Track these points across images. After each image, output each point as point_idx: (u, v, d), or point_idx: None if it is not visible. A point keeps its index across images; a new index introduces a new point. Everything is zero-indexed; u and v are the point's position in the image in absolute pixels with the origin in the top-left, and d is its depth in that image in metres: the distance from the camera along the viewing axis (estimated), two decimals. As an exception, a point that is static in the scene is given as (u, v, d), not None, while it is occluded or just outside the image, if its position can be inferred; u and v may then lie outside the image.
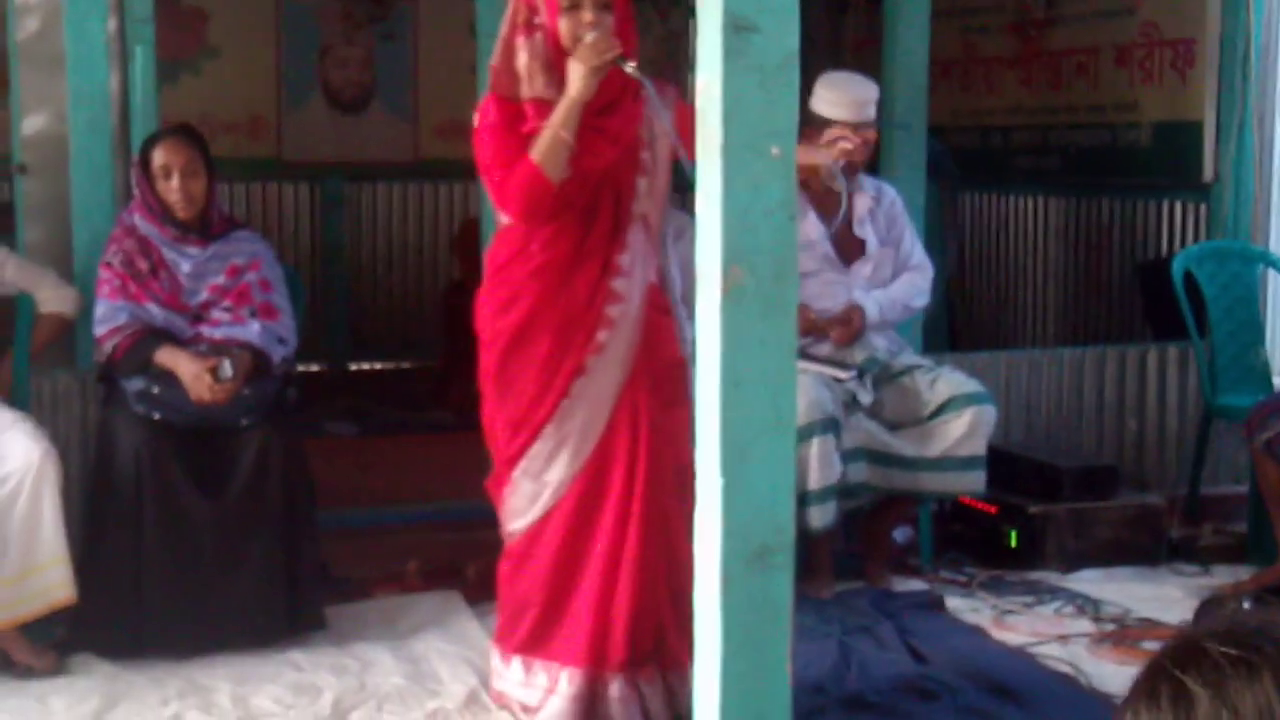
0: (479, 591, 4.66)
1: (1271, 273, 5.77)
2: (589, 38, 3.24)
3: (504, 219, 3.50)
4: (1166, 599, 4.61)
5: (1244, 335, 5.53)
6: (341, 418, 7.23)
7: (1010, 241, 7.45)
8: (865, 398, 4.65)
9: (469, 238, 6.40)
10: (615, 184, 3.42)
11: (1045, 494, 5.01)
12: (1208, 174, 5.88)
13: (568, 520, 3.50)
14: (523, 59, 3.36)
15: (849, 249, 4.75)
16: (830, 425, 4.43)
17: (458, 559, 4.87)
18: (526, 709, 3.58)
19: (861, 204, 4.75)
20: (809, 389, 4.43)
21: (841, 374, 4.58)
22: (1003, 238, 7.49)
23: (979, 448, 4.60)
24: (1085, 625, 4.40)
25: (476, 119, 3.47)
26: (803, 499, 4.48)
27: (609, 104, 3.35)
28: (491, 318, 3.52)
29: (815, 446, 4.41)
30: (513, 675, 3.61)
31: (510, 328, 3.46)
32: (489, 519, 5.27)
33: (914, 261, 4.82)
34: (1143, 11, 6.15)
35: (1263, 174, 5.92)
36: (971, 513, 5.06)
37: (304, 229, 8.56)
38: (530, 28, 3.35)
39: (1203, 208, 6.02)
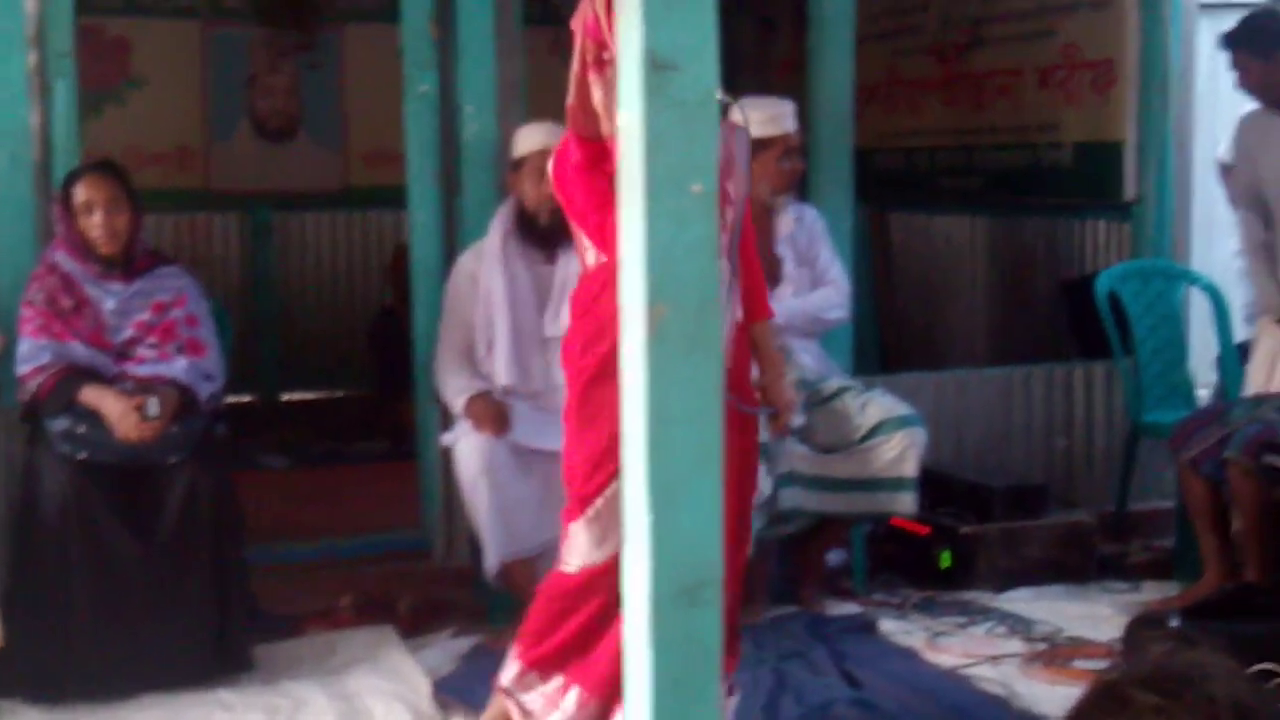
0: (413, 625, 4.64)
1: (1194, 290, 5.85)
2: None
3: (590, 259, 3.43)
4: (1096, 617, 4.66)
5: (1168, 353, 5.61)
6: (273, 450, 7.18)
7: (938, 262, 7.51)
8: (795, 421, 4.67)
9: (401, 264, 6.38)
10: None
11: (976, 514, 5.05)
12: (1129, 193, 5.96)
13: None
14: (598, 96, 3.22)
15: (772, 269, 4.81)
16: (759, 452, 4.44)
17: (391, 592, 4.84)
18: (526, 713, 3.54)
19: (784, 225, 4.82)
20: (736, 416, 4.45)
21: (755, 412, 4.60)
22: (930, 258, 7.55)
23: (910, 470, 4.64)
24: (1017, 645, 4.43)
25: (553, 161, 3.43)
26: (733, 526, 4.49)
27: None
28: (577, 354, 3.45)
29: (745, 473, 4.41)
30: (523, 678, 3.54)
31: (593, 363, 3.38)
32: (423, 550, 5.28)
33: (830, 276, 4.88)
34: (1063, 33, 6.22)
35: (1183, 193, 6.01)
36: (904, 534, 5.09)
37: (233, 259, 8.49)
38: (601, 64, 3.20)
39: (1125, 227, 6.09)
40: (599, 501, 3.38)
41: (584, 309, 3.44)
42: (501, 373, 4.56)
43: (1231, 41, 5.00)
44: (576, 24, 3.20)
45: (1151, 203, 5.89)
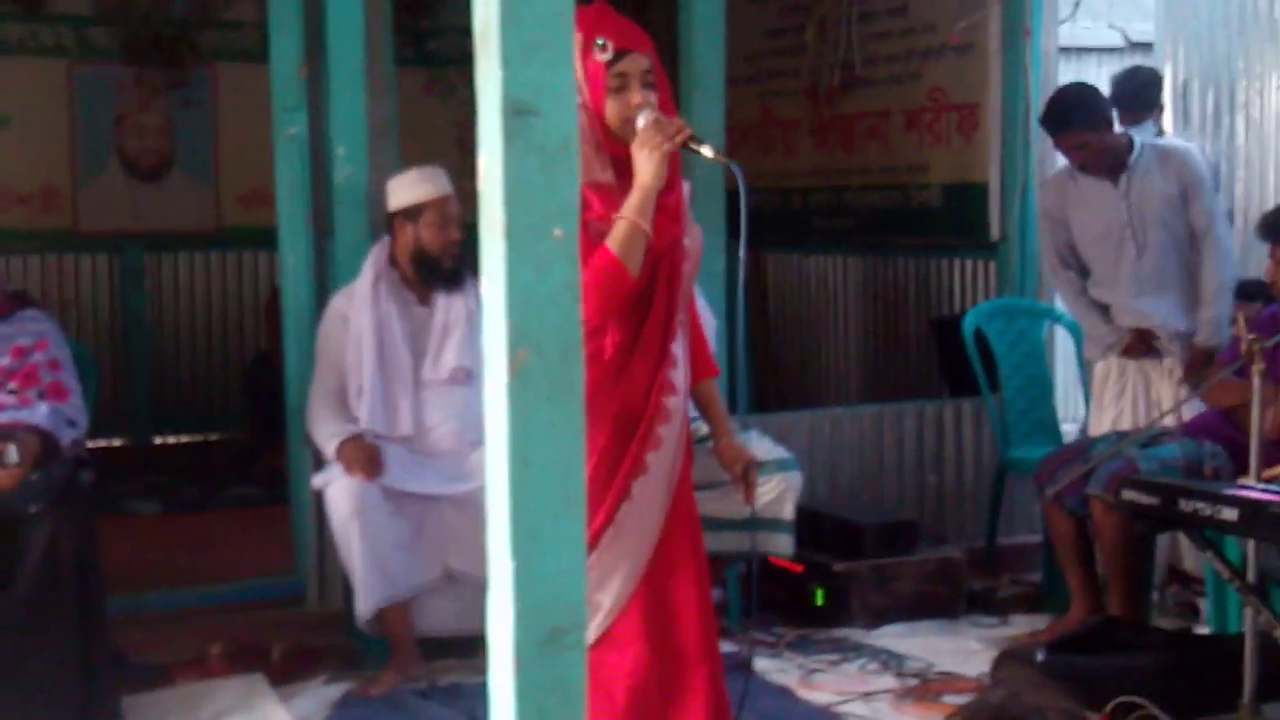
0: (285, 673, 4.57)
1: (1058, 328, 5.98)
2: (645, 119, 3.04)
3: None
4: (966, 651, 4.73)
5: (1032, 390, 5.72)
6: (144, 495, 7.05)
7: (812, 301, 7.60)
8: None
9: (275, 308, 6.32)
10: (670, 265, 3.19)
11: (849, 551, 5.10)
12: (994, 233, 6.08)
13: (638, 643, 3.15)
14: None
15: None
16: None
17: (263, 639, 4.77)
18: None
19: None
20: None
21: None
22: (805, 297, 7.64)
23: (788, 513, 4.70)
24: (889, 681, 4.48)
25: None
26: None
27: (668, 183, 3.12)
28: None
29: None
30: None
31: None
32: (296, 595, 5.21)
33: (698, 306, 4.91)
34: (929, 77, 6.35)
35: (1046, 232, 6.14)
36: (779, 572, 5.12)
37: (102, 301, 8.34)
38: None
39: (991, 265, 6.22)
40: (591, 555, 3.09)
41: None
42: (365, 417, 4.53)
43: (1059, 124, 5.08)
44: None
45: (1015, 242, 6.02)
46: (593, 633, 3.11)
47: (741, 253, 3.14)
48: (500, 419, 2.30)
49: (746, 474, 3.46)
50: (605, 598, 3.14)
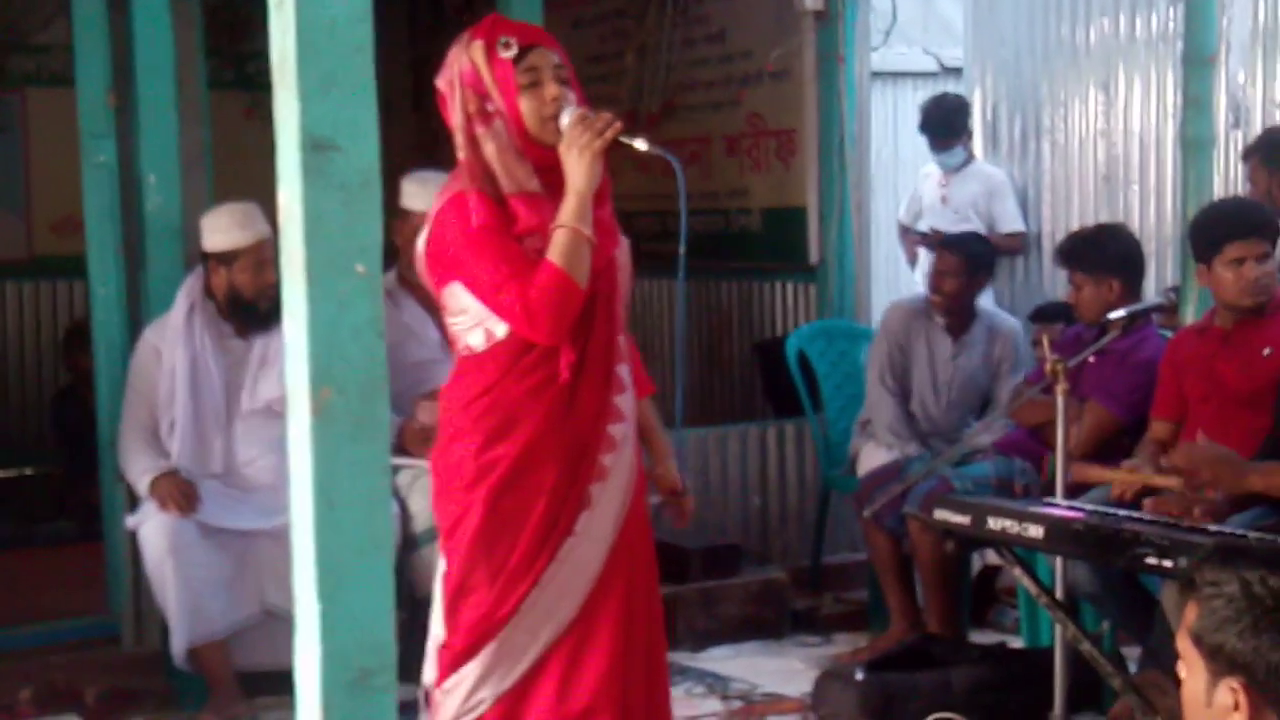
0: (100, 717, 4.46)
1: (876, 349, 6.07)
2: (569, 116, 2.87)
3: (476, 340, 2.96)
4: (790, 671, 4.79)
5: (854, 410, 5.80)
6: (-48, 532, 6.81)
7: (637, 325, 7.63)
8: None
9: (75, 342, 6.17)
10: (609, 282, 3.01)
11: (674, 575, 5.12)
12: (814, 256, 6.18)
13: (558, 675, 2.96)
14: (490, 150, 2.90)
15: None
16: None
17: (78, 682, 4.64)
18: None
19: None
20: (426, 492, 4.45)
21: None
22: (629, 322, 7.66)
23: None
24: (715, 704, 4.51)
25: (447, 221, 2.94)
26: (430, 601, 4.46)
27: (598, 191, 2.93)
28: (473, 457, 2.93)
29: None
30: None
31: (507, 460, 2.90)
32: (111, 635, 5.06)
33: None
34: (747, 103, 6.43)
35: (863, 255, 6.27)
36: (605, 597, 5.12)
37: (-94, 331, 8.05)
38: (486, 116, 2.91)
39: (812, 288, 6.32)
40: (513, 621, 2.93)
41: (470, 400, 2.96)
42: (176, 453, 4.44)
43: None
44: (444, 81, 2.96)
45: (834, 265, 6.13)
46: (522, 668, 2.96)
47: (681, 249, 3.00)
48: (304, 458, 2.26)
49: (681, 499, 3.30)
50: (545, 633, 2.95)
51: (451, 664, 2.99)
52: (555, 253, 2.85)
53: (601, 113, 2.90)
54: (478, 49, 2.92)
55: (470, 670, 2.96)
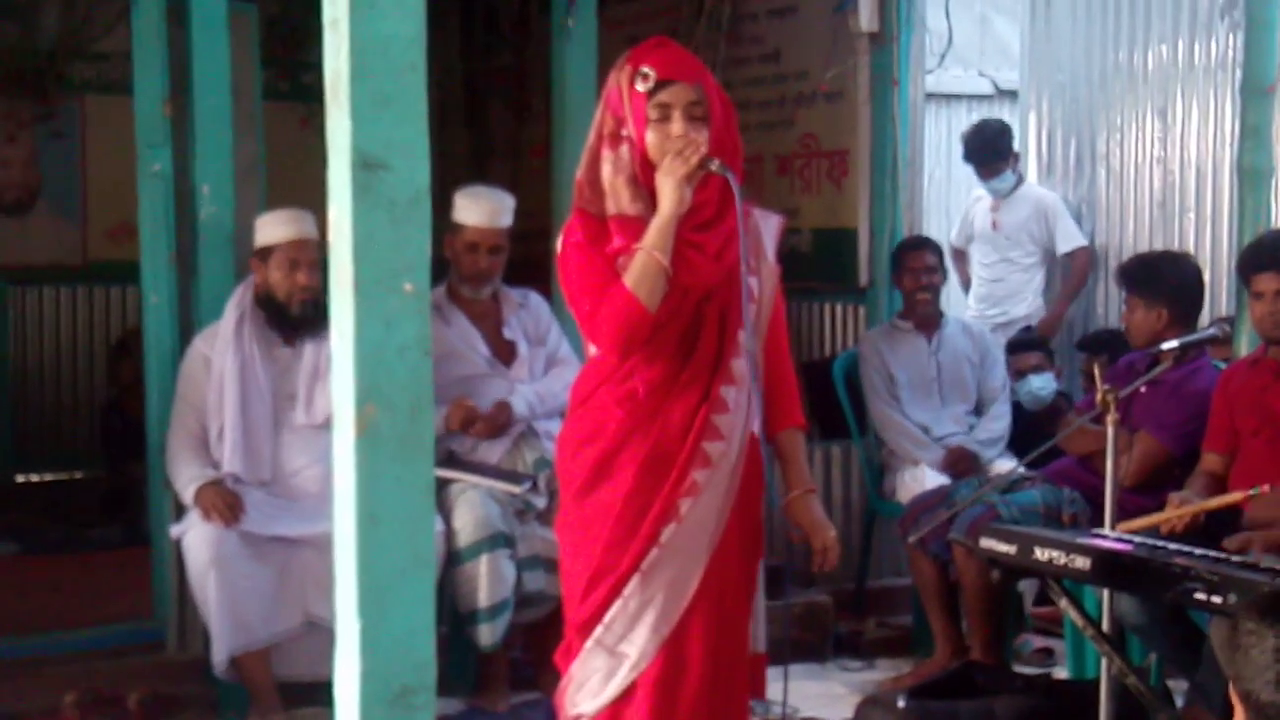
0: (142, 721, 4.48)
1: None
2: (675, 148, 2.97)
3: (590, 351, 3.14)
4: (831, 695, 4.75)
5: (900, 434, 5.77)
6: (4, 535, 6.87)
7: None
8: (539, 502, 4.68)
9: (122, 354, 6.21)
10: (722, 306, 3.06)
11: (717, 596, 5.10)
12: (864, 278, 6.15)
13: (649, 703, 3.03)
14: (607, 172, 3.02)
15: (504, 351, 4.83)
16: (499, 540, 4.46)
17: (121, 687, 4.66)
18: None
19: (508, 309, 4.85)
20: (476, 506, 4.47)
21: (514, 488, 4.61)
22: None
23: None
24: (754, 728, 4.48)
25: (561, 239, 3.11)
26: (473, 616, 4.48)
27: (709, 219, 3.02)
28: (570, 455, 3.11)
29: (484, 564, 4.42)
30: None
31: (591, 461, 3.05)
32: (156, 641, 5.09)
33: (561, 355, 4.91)
34: (800, 124, 6.42)
35: (914, 278, 6.22)
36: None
37: (-37, 335, 8.14)
38: (616, 139, 3.03)
39: (861, 310, 6.29)
40: (598, 629, 3.03)
41: (579, 402, 3.13)
42: (227, 460, 4.47)
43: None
44: (603, 97, 3.09)
45: (883, 287, 6.09)
46: (614, 688, 3.04)
47: (743, 269, 3.03)
48: (348, 476, 2.26)
49: (825, 548, 3.25)
50: (631, 649, 3.03)
51: (563, 656, 3.13)
52: (628, 275, 2.97)
53: (693, 138, 2.97)
54: (625, 75, 3.04)
55: (573, 671, 3.08)
